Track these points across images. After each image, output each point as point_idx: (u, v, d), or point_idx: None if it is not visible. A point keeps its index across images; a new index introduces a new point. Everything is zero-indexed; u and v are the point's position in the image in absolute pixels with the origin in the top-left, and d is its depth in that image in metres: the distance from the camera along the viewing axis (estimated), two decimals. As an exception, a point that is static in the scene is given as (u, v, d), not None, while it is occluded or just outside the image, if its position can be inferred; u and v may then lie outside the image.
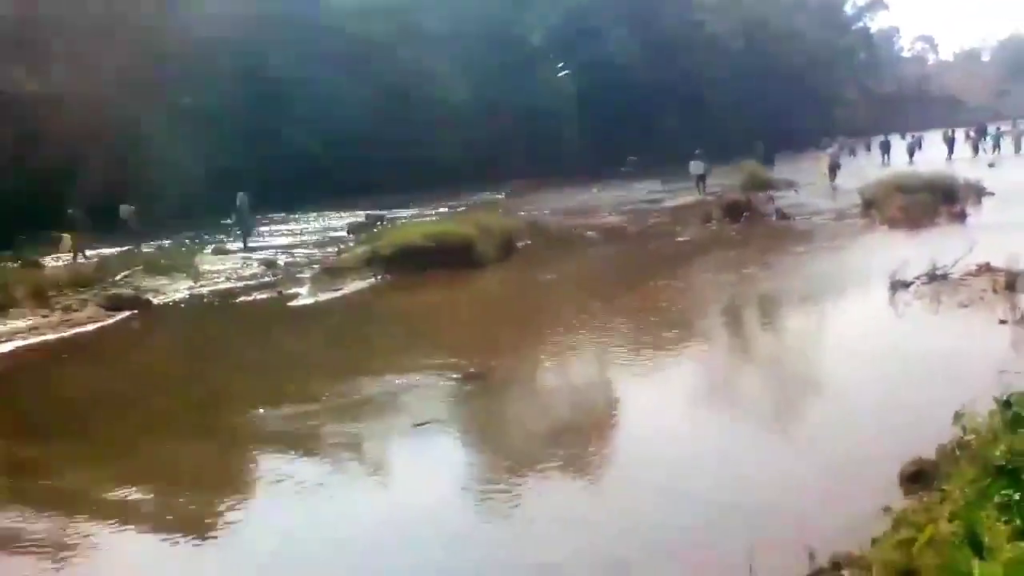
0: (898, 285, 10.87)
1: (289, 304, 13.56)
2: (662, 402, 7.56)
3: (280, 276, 16.42)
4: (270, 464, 6.62)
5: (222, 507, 5.82)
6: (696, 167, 27.58)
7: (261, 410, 7.77)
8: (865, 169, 30.17)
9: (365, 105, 38.39)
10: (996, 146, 37.62)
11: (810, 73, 63.94)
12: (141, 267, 17.02)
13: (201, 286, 15.84)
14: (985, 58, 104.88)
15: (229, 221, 23.05)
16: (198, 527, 5.59)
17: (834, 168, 28.87)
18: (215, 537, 5.44)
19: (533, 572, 4.72)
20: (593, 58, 48.01)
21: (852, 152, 42.92)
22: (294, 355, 10.28)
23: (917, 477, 5.31)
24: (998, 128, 40.62)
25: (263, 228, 24.58)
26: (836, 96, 68.22)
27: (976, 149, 38.27)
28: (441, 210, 28.94)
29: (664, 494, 5.48)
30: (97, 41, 31.26)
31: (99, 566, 5.36)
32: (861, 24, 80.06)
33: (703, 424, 6.81)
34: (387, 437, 6.96)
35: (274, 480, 6.28)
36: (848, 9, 79.05)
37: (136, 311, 13.59)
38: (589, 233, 19.63)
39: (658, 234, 19.51)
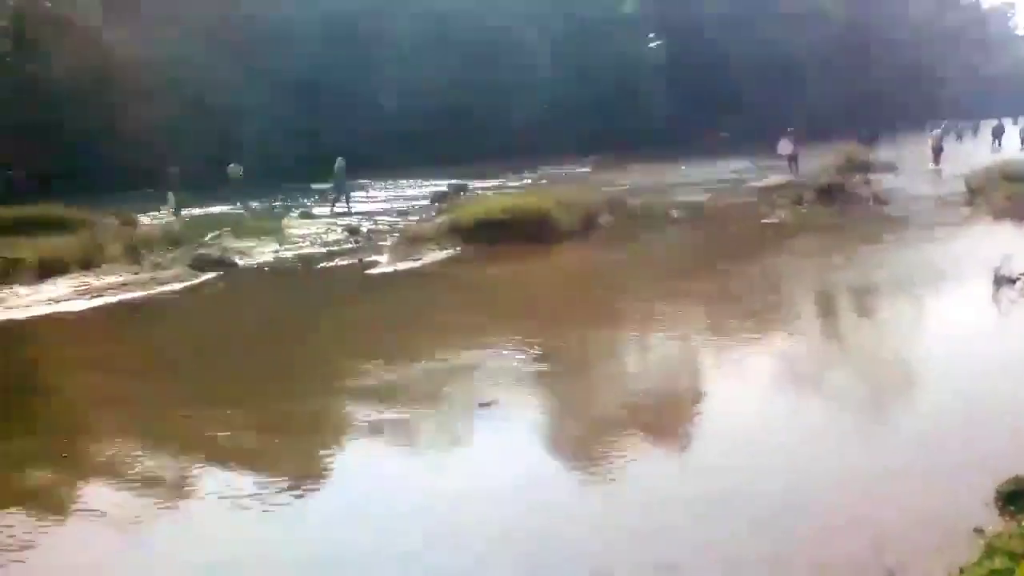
0: (1002, 281, 10.20)
1: (367, 272, 13.69)
2: (738, 395, 7.26)
3: (361, 243, 16.61)
4: (332, 429, 6.66)
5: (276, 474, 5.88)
6: (785, 147, 26.71)
7: (325, 380, 7.83)
8: (973, 154, 28.59)
9: (452, 73, 38.49)
10: None
11: (915, 51, 60.85)
12: (229, 229, 17.48)
13: (286, 250, 16.16)
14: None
15: (327, 186, 23.45)
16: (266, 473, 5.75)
17: (937, 152, 27.51)
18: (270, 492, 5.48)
19: (575, 559, 4.56)
20: (684, 28, 46.77)
21: (959, 136, 40.77)
22: (366, 325, 10.36)
23: (1014, 498, 4.93)
24: None
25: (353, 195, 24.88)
26: (943, 76, 64.70)
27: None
28: (524, 181, 28.82)
29: (736, 495, 5.22)
30: (191, 3, 32.10)
31: (197, 500, 5.52)
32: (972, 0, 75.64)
33: (780, 422, 6.47)
34: (449, 416, 6.88)
35: (336, 445, 6.33)
36: (958, -16, 74.82)
37: (221, 272, 13.94)
38: (673, 212, 19.16)
39: (744, 216, 18.89)
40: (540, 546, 4.75)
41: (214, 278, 13.58)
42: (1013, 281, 10.20)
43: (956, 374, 7.30)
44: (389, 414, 6.85)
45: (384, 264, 14.19)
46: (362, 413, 6.93)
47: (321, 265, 14.55)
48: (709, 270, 12.75)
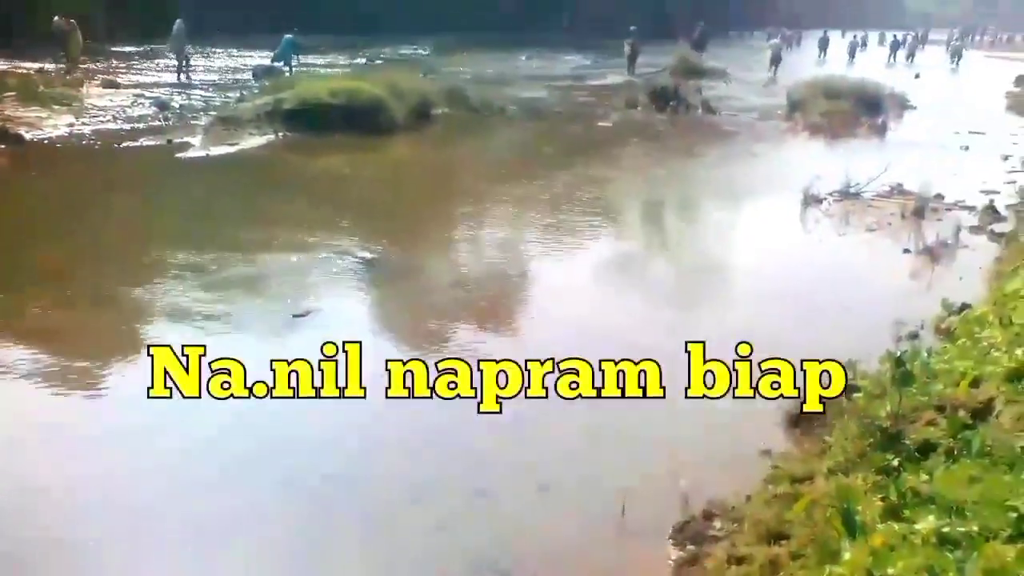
0: (810, 200, 10.74)
1: (177, 156, 12.48)
2: (551, 302, 7.25)
3: (172, 121, 15.11)
4: (116, 342, 6.04)
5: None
6: (628, 45, 27.00)
7: (118, 284, 7.10)
8: (803, 65, 29.95)
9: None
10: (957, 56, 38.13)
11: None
12: (15, 94, 15.37)
13: (83, 124, 14.43)
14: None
15: (135, 49, 21.21)
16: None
17: (775, 60, 28.64)
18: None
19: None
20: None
21: (791, 45, 42.59)
22: (174, 216, 9.46)
23: (799, 420, 5.19)
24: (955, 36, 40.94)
25: (164, 62, 22.59)
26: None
27: (912, 56, 38.49)
28: (357, 61, 27.33)
29: (544, 419, 5.19)
30: None
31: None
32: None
33: (584, 338, 6.34)
34: (259, 326, 6.40)
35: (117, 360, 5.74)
36: None
37: (3, 147, 12.25)
38: (510, 107, 18.76)
39: (580, 115, 18.86)
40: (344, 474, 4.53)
41: (-7, 154, 11.94)
42: (819, 201, 10.77)
43: (755, 296, 7.52)
44: (187, 328, 6.25)
45: (197, 147, 12.99)
46: (153, 325, 6.32)
47: (124, 144, 13.09)
48: (537, 174, 12.63)
